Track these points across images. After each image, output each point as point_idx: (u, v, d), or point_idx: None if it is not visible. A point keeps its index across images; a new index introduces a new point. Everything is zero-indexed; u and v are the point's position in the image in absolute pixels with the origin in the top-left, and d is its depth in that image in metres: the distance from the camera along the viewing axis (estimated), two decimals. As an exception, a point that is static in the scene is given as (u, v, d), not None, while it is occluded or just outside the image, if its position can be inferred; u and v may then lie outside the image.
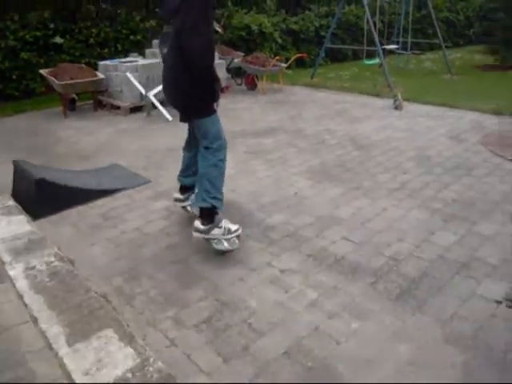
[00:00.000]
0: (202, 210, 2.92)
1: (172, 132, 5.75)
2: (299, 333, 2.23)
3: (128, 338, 2.18)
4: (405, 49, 10.72)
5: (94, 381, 1.92)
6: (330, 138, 5.46)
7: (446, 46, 11.36)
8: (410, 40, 10.56)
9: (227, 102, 7.55)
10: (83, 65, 7.77)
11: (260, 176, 4.32)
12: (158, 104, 6.74)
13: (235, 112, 6.91)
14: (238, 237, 2.97)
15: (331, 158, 4.78)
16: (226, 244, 2.89)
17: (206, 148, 2.86)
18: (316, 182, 4.14)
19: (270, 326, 2.29)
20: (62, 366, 2.01)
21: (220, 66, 8.17)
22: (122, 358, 2.04)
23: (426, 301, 2.44)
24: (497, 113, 6.40)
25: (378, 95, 7.86)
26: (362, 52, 10.04)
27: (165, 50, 2.89)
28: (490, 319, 2.29)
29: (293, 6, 12.98)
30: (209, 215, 2.89)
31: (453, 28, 15.33)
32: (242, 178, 4.26)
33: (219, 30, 9.38)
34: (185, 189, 3.41)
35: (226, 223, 2.94)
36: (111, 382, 1.91)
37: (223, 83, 8.03)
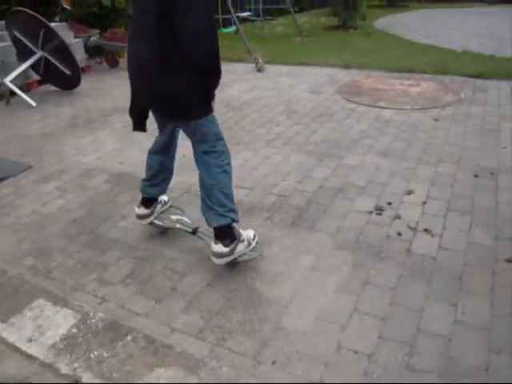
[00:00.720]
0: (219, 228, 2.42)
1: (41, 117, 5.54)
2: (217, 267, 2.54)
3: (62, 302, 2.30)
4: (257, 15, 11.27)
5: (39, 345, 2.03)
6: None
7: (295, 11, 12.15)
8: (261, 7, 11.13)
9: (92, 81, 7.40)
10: None
11: (145, 146, 4.36)
12: (17, 90, 6.36)
13: (103, 90, 6.80)
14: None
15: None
16: (250, 253, 2.53)
17: (208, 152, 2.45)
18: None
19: (191, 266, 2.57)
20: (2, 340, 2.08)
21: (77, 45, 7.86)
22: (62, 318, 2.18)
23: (315, 221, 2.94)
24: (346, 66, 7.26)
25: (240, 60, 8.26)
26: (218, 21, 10.34)
27: (137, 45, 2.30)
28: (365, 225, 2.88)
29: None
30: (229, 232, 2.43)
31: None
32: (127, 149, 4.34)
33: (66, 6, 8.95)
34: (149, 201, 2.86)
35: (244, 233, 2.53)
36: (58, 340, 2.05)
37: (82, 63, 7.77)
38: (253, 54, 8.19)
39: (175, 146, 2.79)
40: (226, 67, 7.55)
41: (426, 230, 2.82)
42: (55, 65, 6.58)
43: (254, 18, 11.36)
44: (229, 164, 2.54)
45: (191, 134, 2.48)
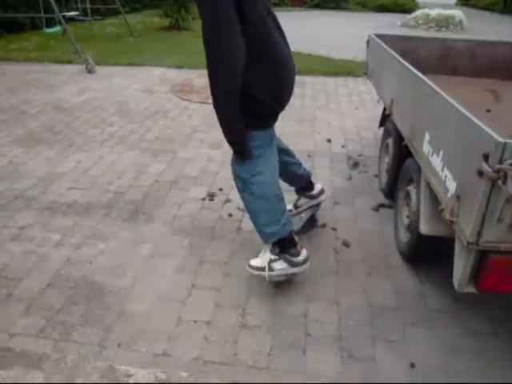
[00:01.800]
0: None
1: None
2: (55, 267, 2.53)
3: None
4: (85, 15, 10.87)
5: None
6: (31, 108, 5.43)
7: (125, 11, 11.97)
8: (89, 6, 10.75)
9: None
10: None
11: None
12: None
13: None
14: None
15: (37, 125, 4.83)
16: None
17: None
18: (29, 148, 4.20)
19: (26, 271, 2.50)
20: None
21: None
22: None
23: (152, 213, 3.08)
24: (178, 66, 7.46)
25: (69, 62, 7.93)
26: (41, 20, 9.75)
27: (286, 50, 2.22)
28: (199, 211, 3.12)
29: None
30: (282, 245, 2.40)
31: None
32: None
33: None
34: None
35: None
36: None
37: None
38: (82, 55, 7.93)
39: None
40: (53, 68, 7.25)
41: (253, 210, 3.13)
42: None
43: (83, 18, 10.93)
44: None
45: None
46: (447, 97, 1.93)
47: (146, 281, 2.43)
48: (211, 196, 3.29)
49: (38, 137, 4.48)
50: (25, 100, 5.73)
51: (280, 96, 2.15)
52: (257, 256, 2.42)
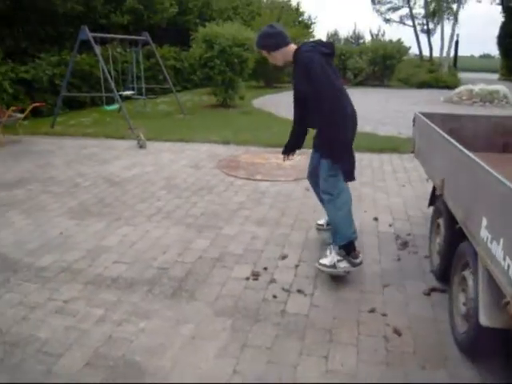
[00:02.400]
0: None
1: None
2: (95, 345, 2.49)
3: None
4: (140, 94, 11.59)
5: None
6: (84, 181, 5.67)
7: (177, 90, 12.71)
8: (144, 86, 11.49)
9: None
10: None
11: (19, 225, 4.26)
12: None
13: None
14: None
15: (88, 197, 5.01)
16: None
17: None
18: (79, 220, 4.33)
19: (66, 347, 2.48)
20: None
21: None
22: None
23: (195, 291, 3.02)
24: (225, 142, 7.68)
25: (122, 137, 8.36)
26: (100, 99, 10.46)
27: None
28: (243, 291, 3.03)
29: (20, 55, 12.50)
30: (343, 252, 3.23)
31: (180, 74, 17.18)
32: (0, 230, 4.14)
33: None
34: None
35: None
36: None
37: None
38: (135, 131, 8.34)
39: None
40: (107, 143, 7.63)
41: (298, 290, 3.04)
42: None
43: (138, 97, 11.65)
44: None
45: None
46: (504, 180, 1.84)
47: (187, 363, 2.34)
48: (255, 275, 3.22)
49: (88, 209, 4.62)
50: (79, 173, 6.00)
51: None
52: (325, 256, 3.23)
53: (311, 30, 33.55)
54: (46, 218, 4.42)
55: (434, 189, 3.50)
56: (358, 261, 3.16)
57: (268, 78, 21.16)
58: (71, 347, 2.48)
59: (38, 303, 2.92)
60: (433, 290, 3.05)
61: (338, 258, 3.13)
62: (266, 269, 3.32)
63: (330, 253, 3.20)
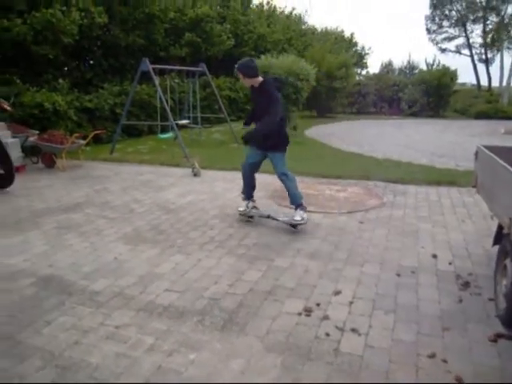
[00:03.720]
0: (298, 205, 4.80)
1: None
2: (144, 374, 2.47)
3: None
4: (196, 123, 11.89)
5: None
6: (139, 207, 5.80)
7: (231, 120, 12.95)
8: (199, 115, 11.80)
9: (26, 180, 7.35)
10: None
11: (76, 248, 4.39)
12: None
13: (37, 190, 6.74)
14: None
15: (143, 223, 5.11)
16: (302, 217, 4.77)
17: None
18: (133, 245, 4.41)
19: (116, 375, 2.47)
20: None
21: (14, 144, 7.88)
22: None
23: (245, 325, 2.95)
24: (278, 172, 7.67)
25: (177, 165, 8.55)
26: (157, 127, 10.81)
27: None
28: (295, 327, 2.93)
29: (85, 86, 13.24)
30: (300, 206, 4.79)
31: (235, 104, 17.56)
32: (57, 252, 4.26)
33: (7, 108, 9.06)
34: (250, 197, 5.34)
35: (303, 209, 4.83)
36: None
37: (18, 162, 7.75)
38: (190, 159, 8.51)
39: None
40: (162, 170, 7.83)
41: (353, 329, 2.91)
42: (-13, 163, 6.54)
43: (193, 126, 11.95)
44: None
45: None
46: None
47: (235, 401, 2.27)
48: (308, 311, 3.11)
49: (142, 235, 4.70)
50: (135, 199, 6.15)
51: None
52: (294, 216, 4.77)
53: (365, 61, 33.58)
54: (101, 242, 4.53)
55: (500, 227, 3.30)
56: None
57: (321, 108, 21.23)
58: (121, 375, 2.47)
59: (91, 327, 2.95)
60: (499, 336, 2.84)
61: (301, 212, 4.73)
62: (318, 304, 3.21)
63: (297, 212, 4.75)
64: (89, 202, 6.04)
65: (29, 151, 8.68)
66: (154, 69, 9.52)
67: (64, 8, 11.26)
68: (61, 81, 11.68)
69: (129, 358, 2.62)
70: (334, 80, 19.80)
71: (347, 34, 34.48)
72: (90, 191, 6.67)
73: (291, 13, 28.74)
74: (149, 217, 5.36)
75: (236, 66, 4.82)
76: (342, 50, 24.64)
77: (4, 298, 3.37)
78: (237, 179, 7.28)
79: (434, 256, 4.13)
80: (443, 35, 34.91)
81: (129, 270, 3.85)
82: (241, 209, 5.23)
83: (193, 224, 5.07)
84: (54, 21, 10.87)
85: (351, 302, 3.26)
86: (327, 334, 2.85)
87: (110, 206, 5.84)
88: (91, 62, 14.61)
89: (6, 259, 4.06)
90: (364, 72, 34.89)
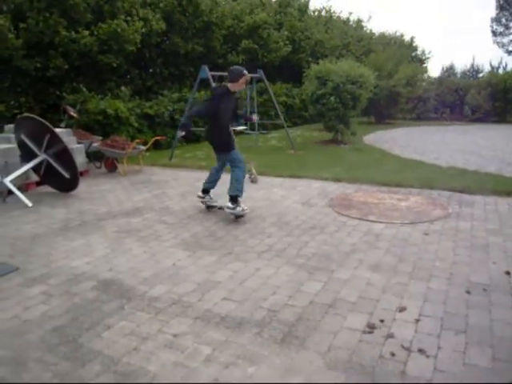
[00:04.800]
0: (232, 196, 5.34)
1: (34, 218, 5.60)
2: (200, 386, 2.41)
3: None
4: (253, 129, 11.91)
5: None
6: (197, 213, 5.82)
7: (288, 126, 12.88)
8: (257, 121, 11.79)
9: (89, 184, 7.59)
10: None
11: (136, 253, 4.44)
12: (15, 190, 6.47)
13: (99, 194, 6.95)
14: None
15: (201, 229, 5.11)
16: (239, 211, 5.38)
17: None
18: (191, 252, 4.40)
19: (174, 385, 2.43)
20: None
21: (79, 150, 8.20)
22: None
23: (305, 339, 2.83)
24: (337, 180, 7.51)
25: (234, 171, 8.54)
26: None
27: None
28: (357, 344, 2.77)
29: (145, 93, 13.65)
30: (235, 199, 5.33)
31: (291, 110, 17.51)
32: (117, 256, 4.32)
33: (74, 114, 9.46)
34: (207, 192, 5.96)
35: (241, 204, 5.39)
36: None
37: (82, 167, 8.05)
38: (247, 166, 8.48)
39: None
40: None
41: (420, 350, 2.72)
42: (55, 168, 6.80)
43: (250, 132, 11.97)
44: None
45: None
46: None
47: (295, 421, 2.16)
48: (371, 327, 2.95)
49: (200, 242, 4.69)
50: (193, 205, 6.19)
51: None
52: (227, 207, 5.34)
53: (425, 65, 32.55)
54: (160, 247, 4.56)
55: None
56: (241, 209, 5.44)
57: (379, 115, 20.74)
58: (180, 385, 2.43)
59: (149, 334, 2.94)
60: None
61: (232, 206, 5.40)
62: (382, 321, 3.04)
63: (228, 205, 5.41)
64: (148, 207, 6.14)
65: (92, 156, 9.00)
66: (212, 76, 9.61)
67: (128, 18, 11.66)
68: (123, 88, 12.07)
69: (186, 367, 2.58)
70: (397, 85, 19.19)
71: (407, 38, 33.59)
72: (149, 196, 6.79)
73: (348, 18, 28.38)
74: (206, 223, 5.36)
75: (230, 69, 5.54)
76: (405, 58, 23.85)
77: (68, 300, 3.45)
78: (296, 186, 7.19)
79: (508, 273, 3.83)
80: (511, 37, 33.36)
81: (186, 276, 3.84)
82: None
83: (250, 231, 5.01)
84: (119, 31, 11.27)
85: (417, 320, 3.07)
86: (392, 354, 2.68)
87: (169, 211, 5.90)
88: (151, 70, 15.03)
89: (70, 261, 4.17)
90: (425, 76, 33.85)
